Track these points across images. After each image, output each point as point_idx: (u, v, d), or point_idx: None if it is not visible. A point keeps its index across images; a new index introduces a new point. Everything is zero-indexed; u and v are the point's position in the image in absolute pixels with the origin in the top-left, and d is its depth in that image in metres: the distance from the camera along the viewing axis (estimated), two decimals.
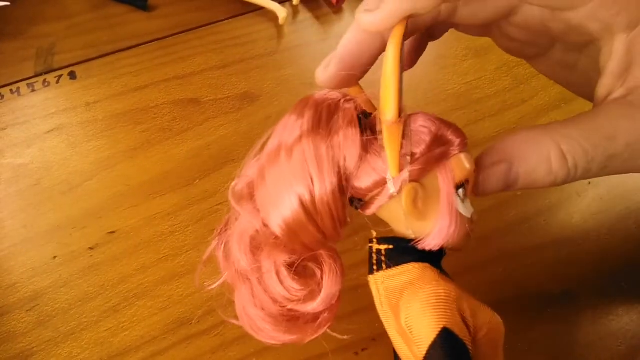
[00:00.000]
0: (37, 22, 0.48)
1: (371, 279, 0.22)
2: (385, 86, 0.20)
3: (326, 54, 0.24)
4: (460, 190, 0.21)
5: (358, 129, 0.20)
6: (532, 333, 0.30)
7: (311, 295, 0.22)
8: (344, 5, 0.49)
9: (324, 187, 0.20)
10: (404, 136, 0.20)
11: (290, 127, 0.21)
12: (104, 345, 0.30)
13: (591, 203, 0.36)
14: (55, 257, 0.33)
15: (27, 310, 0.31)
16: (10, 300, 0.32)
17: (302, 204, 0.20)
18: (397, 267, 0.21)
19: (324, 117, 0.21)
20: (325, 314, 0.23)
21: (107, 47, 0.45)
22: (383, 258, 0.21)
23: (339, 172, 0.20)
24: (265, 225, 0.22)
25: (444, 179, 0.20)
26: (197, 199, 0.36)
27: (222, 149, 0.39)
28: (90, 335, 0.30)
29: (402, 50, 0.20)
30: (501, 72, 0.43)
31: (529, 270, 0.33)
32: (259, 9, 0.49)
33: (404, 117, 0.20)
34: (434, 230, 0.20)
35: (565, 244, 0.34)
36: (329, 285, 0.22)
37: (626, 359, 0.30)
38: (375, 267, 0.22)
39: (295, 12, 0.49)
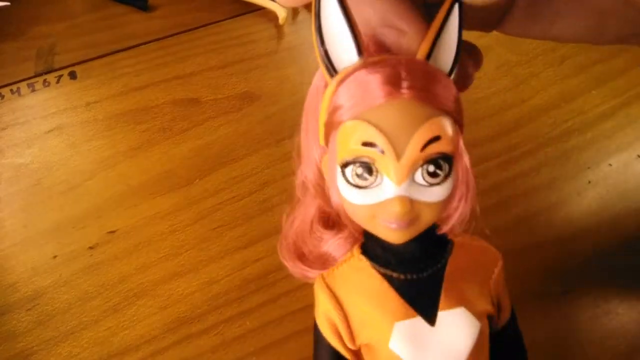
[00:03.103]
0: (37, 22, 0.48)
1: None
2: None
3: None
4: (349, 169, 0.16)
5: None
6: (532, 332, 0.30)
7: (318, 243, 0.22)
8: None
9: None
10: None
11: None
12: (103, 345, 0.30)
13: (591, 202, 0.36)
14: (55, 257, 0.33)
15: (27, 310, 0.31)
16: (11, 300, 0.32)
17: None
18: None
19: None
20: (313, 268, 0.22)
21: (107, 47, 0.46)
22: None
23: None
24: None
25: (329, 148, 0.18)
26: (197, 199, 0.36)
27: (222, 148, 0.39)
28: (90, 335, 0.30)
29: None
30: (501, 72, 0.43)
31: (530, 269, 0.33)
32: (259, 9, 0.49)
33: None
34: None
35: (565, 242, 0.34)
36: (331, 248, 0.22)
37: (626, 358, 0.30)
38: None
39: (295, 12, 0.49)
